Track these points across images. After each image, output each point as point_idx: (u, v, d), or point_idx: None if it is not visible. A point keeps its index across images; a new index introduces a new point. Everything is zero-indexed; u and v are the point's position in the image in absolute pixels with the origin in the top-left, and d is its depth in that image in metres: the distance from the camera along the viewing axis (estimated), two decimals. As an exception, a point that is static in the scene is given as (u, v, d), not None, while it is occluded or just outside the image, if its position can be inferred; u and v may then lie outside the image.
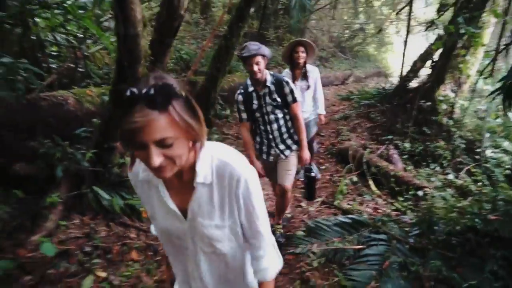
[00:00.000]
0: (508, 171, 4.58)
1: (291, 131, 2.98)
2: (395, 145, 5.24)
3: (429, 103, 5.42)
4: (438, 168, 4.81)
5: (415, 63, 6.06)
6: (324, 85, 9.68)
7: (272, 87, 2.81)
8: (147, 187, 1.13)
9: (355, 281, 2.83)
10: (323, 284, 2.72)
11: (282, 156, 2.97)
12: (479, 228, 3.20)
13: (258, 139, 3.06)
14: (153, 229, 1.30)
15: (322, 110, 4.15)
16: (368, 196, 4.20)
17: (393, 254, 3.11)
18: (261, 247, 1.19)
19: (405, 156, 5.04)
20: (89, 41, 4.65)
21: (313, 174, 3.25)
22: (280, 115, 2.88)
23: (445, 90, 5.56)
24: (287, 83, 2.83)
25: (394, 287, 2.77)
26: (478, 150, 4.93)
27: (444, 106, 5.35)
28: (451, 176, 4.55)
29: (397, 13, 7.74)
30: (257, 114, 2.88)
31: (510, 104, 2.94)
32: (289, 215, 3.67)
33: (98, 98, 3.42)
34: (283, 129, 2.94)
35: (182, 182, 1.08)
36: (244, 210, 1.10)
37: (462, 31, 4.52)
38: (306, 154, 2.98)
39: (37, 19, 3.91)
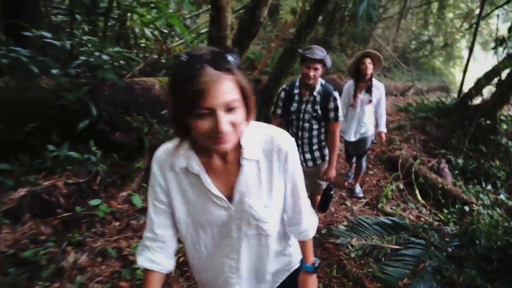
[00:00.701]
0: None
1: (323, 144, 2.89)
2: (447, 160, 5.25)
3: (489, 122, 5.36)
4: (490, 187, 4.78)
5: (479, 80, 5.97)
6: (382, 94, 9.70)
7: (318, 98, 2.70)
8: (183, 177, 1.05)
9: (389, 275, 3.06)
10: (358, 272, 2.99)
11: (303, 164, 2.87)
12: (521, 246, 3.26)
13: None
14: (142, 260, 1.11)
15: (383, 128, 4.04)
16: (412, 204, 4.34)
17: (429, 259, 3.29)
18: (301, 210, 1.21)
19: (456, 172, 5.06)
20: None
21: (331, 193, 3.12)
22: (315, 126, 2.78)
23: (509, 110, 5.44)
24: (335, 99, 2.72)
25: (426, 286, 2.97)
26: (536, 174, 4.82)
27: (505, 126, 5.25)
28: (502, 196, 4.52)
29: (469, 27, 7.57)
30: (293, 117, 2.79)
31: None
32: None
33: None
34: (314, 140, 2.84)
35: (226, 163, 1.05)
36: (290, 182, 1.13)
37: (532, 51, 4.47)
38: (332, 173, 2.91)
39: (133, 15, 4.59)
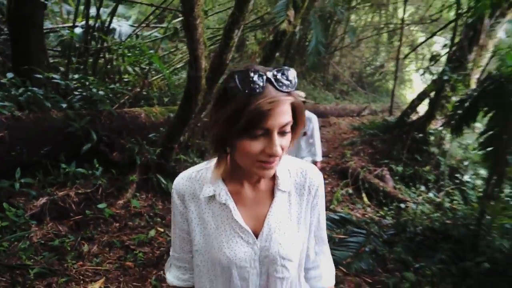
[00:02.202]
0: (481, 194, 5.49)
1: None
2: (389, 168, 6.26)
3: (421, 135, 6.45)
4: (423, 188, 5.79)
5: (413, 100, 7.14)
6: (340, 116, 10.85)
7: None
8: (206, 207, 0.99)
9: (335, 256, 3.87)
10: (311, 254, 3.78)
11: None
12: (436, 229, 4.20)
13: None
14: (171, 277, 1.13)
15: (318, 157, 4.29)
16: (359, 205, 5.24)
17: (369, 244, 4.14)
18: (323, 253, 1.15)
19: (397, 178, 6.05)
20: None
21: None
22: None
23: (436, 125, 6.57)
24: None
25: (365, 263, 3.80)
26: (458, 175, 5.89)
27: (433, 138, 6.36)
28: (431, 195, 5.52)
29: (404, 57, 8.93)
30: None
31: (457, 135, 4.01)
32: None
33: (160, 115, 4.75)
34: None
35: (257, 194, 0.99)
36: (315, 218, 1.07)
37: (445, 77, 5.64)
38: None
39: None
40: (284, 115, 0.81)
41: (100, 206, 3.22)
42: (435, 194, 5.55)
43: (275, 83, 0.81)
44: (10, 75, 3.38)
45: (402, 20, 6.58)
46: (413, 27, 14.91)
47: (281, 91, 0.81)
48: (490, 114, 3.79)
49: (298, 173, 1.02)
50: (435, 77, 6.65)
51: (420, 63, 16.64)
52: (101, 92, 3.99)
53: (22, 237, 2.64)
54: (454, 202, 5.32)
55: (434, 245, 4.06)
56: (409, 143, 6.43)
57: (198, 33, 2.99)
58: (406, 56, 8.99)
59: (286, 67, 0.85)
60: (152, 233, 3.43)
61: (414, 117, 7.38)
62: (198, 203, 0.99)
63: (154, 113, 4.70)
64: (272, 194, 0.99)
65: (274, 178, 0.99)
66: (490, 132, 3.76)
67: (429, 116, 6.46)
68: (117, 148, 3.74)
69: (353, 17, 14.43)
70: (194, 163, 4.44)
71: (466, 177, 5.84)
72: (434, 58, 6.32)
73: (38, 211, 2.99)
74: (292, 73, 0.84)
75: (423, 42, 9.24)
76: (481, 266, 3.49)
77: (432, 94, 6.76)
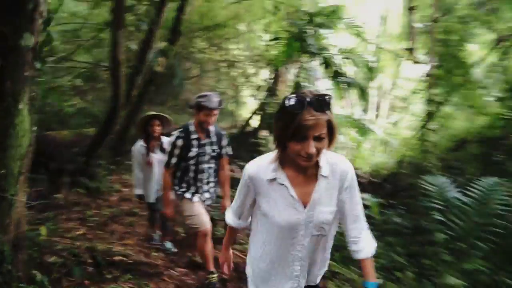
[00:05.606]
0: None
1: (216, 180, 3.00)
2: (239, 165, 9.05)
3: (255, 140, 9.54)
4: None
5: (249, 116, 10.27)
6: (197, 133, 13.31)
7: (214, 138, 2.90)
8: (269, 186, 1.41)
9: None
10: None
11: (205, 203, 2.96)
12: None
13: (184, 184, 2.90)
14: (230, 220, 1.67)
15: None
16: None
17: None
18: (362, 229, 1.50)
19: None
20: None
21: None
22: (213, 165, 2.91)
23: (264, 133, 9.77)
24: (225, 135, 2.99)
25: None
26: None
27: (263, 141, 9.54)
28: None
29: (237, 87, 12.29)
30: (192, 162, 2.82)
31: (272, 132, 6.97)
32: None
33: (68, 136, 6.18)
34: (211, 179, 2.95)
35: (306, 177, 1.40)
36: (349, 197, 1.45)
37: (264, 101, 8.80)
38: (228, 203, 2.94)
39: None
40: (319, 128, 1.21)
41: (58, 196, 4.71)
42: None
43: (314, 106, 1.21)
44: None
45: (233, 58, 9.66)
46: (247, 62, 18.85)
47: (318, 111, 1.21)
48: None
49: (333, 163, 1.42)
50: (261, 100, 9.90)
51: (253, 90, 20.90)
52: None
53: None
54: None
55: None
56: (249, 146, 9.40)
57: (120, 80, 4.95)
58: (239, 85, 12.47)
59: (324, 94, 1.24)
60: (90, 212, 5.03)
61: (250, 129, 10.48)
62: (263, 182, 1.43)
63: (64, 135, 6.13)
64: (315, 177, 1.41)
65: (317, 166, 1.39)
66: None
67: (259, 127, 9.63)
68: (53, 159, 5.20)
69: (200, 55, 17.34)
70: (106, 167, 6.12)
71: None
72: (259, 88, 9.54)
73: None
74: (327, 98, 1.23)
75: (250, 76, 12.82)
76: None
77: (260, 112, 9.96)
